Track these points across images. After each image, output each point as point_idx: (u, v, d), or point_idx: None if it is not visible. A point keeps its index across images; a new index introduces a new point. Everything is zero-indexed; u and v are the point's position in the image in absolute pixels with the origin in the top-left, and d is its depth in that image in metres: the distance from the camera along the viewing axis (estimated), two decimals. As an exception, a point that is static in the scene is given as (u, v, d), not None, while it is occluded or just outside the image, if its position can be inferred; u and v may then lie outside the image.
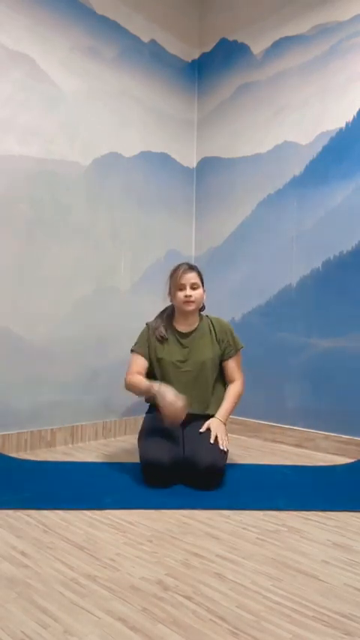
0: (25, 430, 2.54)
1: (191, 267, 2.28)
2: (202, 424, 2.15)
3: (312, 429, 2.76)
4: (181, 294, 2.23)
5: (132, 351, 2.31)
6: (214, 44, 3.37)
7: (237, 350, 2.32)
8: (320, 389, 2.73)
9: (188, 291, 2.22)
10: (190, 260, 3.37)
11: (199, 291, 2.26)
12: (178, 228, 3.34)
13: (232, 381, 2.33)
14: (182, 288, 2.23)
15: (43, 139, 2.61)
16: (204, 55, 3.43)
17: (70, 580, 1.28)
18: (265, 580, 1.30)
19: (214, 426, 2.13)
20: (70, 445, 2.71)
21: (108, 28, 2.91)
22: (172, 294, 2.28)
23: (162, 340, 2.27)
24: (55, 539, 1.51)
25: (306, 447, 2.76)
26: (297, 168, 2.88)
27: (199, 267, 2.33)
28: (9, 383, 2.49)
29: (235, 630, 1.08)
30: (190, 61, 3.42)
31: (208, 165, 3.38)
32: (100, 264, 2.89)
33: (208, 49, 3.41)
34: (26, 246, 2.56)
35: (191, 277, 2.24)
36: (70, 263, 2.74)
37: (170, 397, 2.01)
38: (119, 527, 1.61)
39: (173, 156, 3.30)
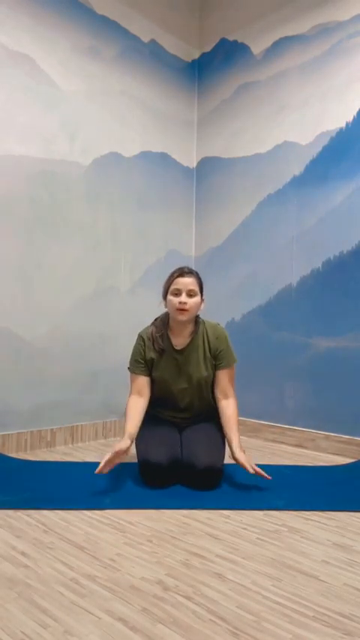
0: (25, 430, 2.54)
1: (190, 271, 2.08)
2: (199, 426, 2.14)
3: (312, 429, 2.76)
4: (174, 300, 2.03)
5: (129, 370, 2.17)
6: (214, 44, 3.37)
7: (231, 363, 2.16)
8: (320, 389, 2.73)
9: (183, 298, 2.01)
10: (190, 260, 3.38)
11: (196, 299, 2.04)
12: (178, 228, 3.34)
13: (225, 397, 2.13)
14: (177, 293, 2.03)
15: (43, 138, 2.61)
16: (204, 55, 3.43)
17: (70, 580, 1.28)
18: (265, 580, 1.30)
19: (242, 461, 1.95)
20: (70, 445, 2.71)
21: (108, 28, 2.91)
22: (165, 298, 2.08)
23: (160, 352, 2.11)
24: (55, 539, 1.51)
25: (306, 447, 2.76)
26: (297, 169, 2.88)
27: (200, 273, 2.16)
28: (9, 383, 2.49)
29: (235, 630, 1.08)
30: (190, 61, 3.42)
31: (208, 165, 3.38)
32: (100, 264, 2.89)
33: (208, 49, 3.41)
34: (26, 246, 2.56)
35: (189, 283, 2.03)
36: (70, 263, 2.74)
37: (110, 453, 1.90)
38: (119, 527, 1.61)
39: (173, 156, 3.30)
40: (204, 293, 2.13)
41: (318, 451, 2.70)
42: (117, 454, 1.87)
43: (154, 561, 1.39)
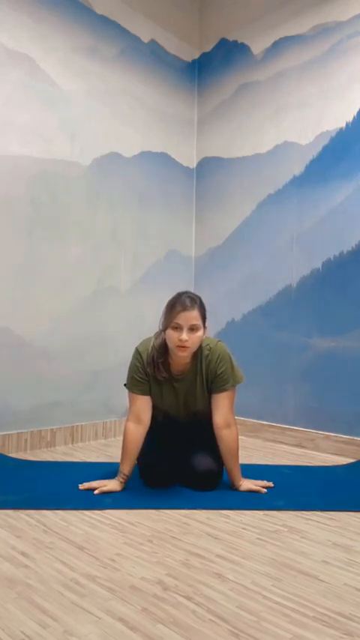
0: (25, 430, 2.54)
1: (193, 303, 1.85)
2: (200, 430, 2.08)
3: (312, 429, 2.76)
4: (174, 336, 1.82)
5: (127, 387, 2.00)
6: (214, 44, 3.37)
7: (234, 383, 1.98)
8: (320, 389, 2.73)
9: (184, 335, 1.80)
10: (189, 260, 3.37)
11: (199, 333, 1.85)
12: (178, 228, 3.34)
13: (226, 426, 1.93)
14: (178, 327, 1.82)
15: (43, 139, 2.61)
16: (204, 55, 3.43)
17: (70, 580, 1.28)
18: (265, 580, 1.30)
19: (249, 486, 1.95)
20: (70, 445, 2.71)
21: (108, 28, 2.91)
22: (164, 328, 1.88)
23: (162, 381, 1.96)
24: (55, 539, 1.51)
25: (306, 447, 2.76)
26: (297, 168, 2.88)
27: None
28: (9, 383, 2.49)
29: (235, 630, 1.08)
30: (190, 60, 3.42)
31: (208, 165, 3.38)
32: (100, 264, 2.89)
33: (208, 49, 3.41)
34: (26, 246, 2.56)
35: (191, 317, 1.82)
36: (70, 263, 2.74)
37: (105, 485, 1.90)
38: (119, 527, 1.61)
39: (173, 156, 3.30)
40: (206, 319, 1.93)
41: (318, 451, 2.69)
42: (101, 490, 1.88)
43: (154, 561, 1.39)
